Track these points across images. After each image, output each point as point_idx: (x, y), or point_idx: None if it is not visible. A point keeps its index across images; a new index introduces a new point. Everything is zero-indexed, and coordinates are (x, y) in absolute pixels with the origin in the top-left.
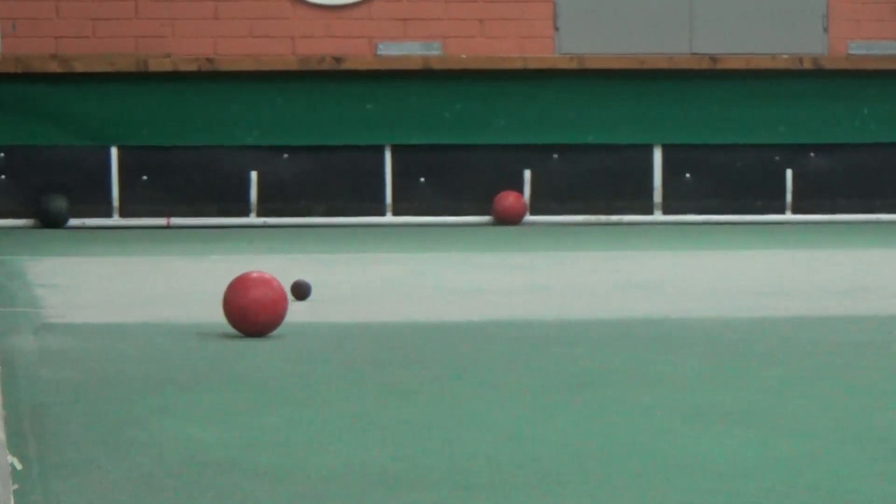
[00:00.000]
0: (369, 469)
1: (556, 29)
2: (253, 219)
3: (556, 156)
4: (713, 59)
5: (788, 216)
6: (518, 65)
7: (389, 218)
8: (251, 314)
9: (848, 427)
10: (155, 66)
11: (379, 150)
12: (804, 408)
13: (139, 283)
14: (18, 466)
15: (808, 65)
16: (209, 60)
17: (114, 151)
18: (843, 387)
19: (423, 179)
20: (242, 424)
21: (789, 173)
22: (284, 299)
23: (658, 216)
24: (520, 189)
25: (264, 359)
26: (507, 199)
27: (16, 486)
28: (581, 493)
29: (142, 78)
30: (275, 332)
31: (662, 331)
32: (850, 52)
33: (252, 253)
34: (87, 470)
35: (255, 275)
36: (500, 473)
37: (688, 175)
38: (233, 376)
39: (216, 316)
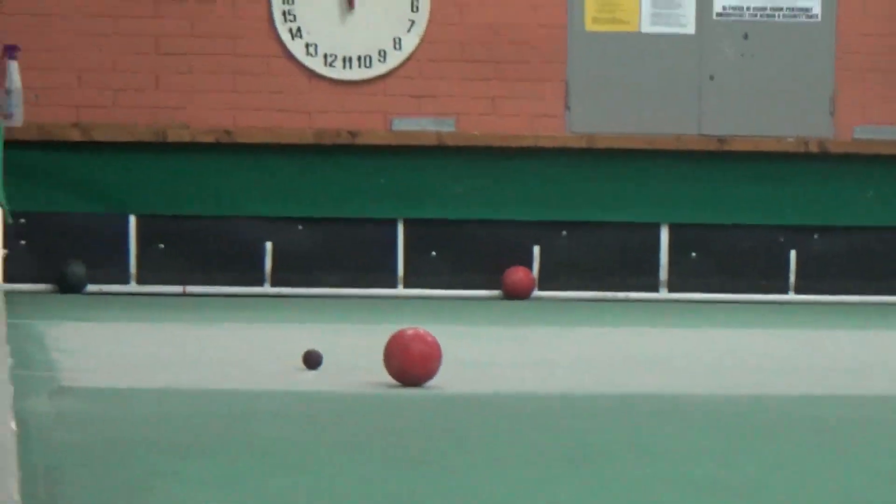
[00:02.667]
0: None
1: (567, 108)
2: (267, 288)
3: (564, 232)
4: (720, 140)
5: (791, 296)
6: (529, 143)
7: (401, 290)
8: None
9: (844, 502)
10: (174, 136)
11: (392, 224)
12: (802, 483)
13: (153, 349)
14: None
15: (813, 148)
16: (227, 132)
17: (132, 219)
18: (842, 464)
19: (434, 253)
20: (247, 489)
21: (793, 254)
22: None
23: (664, 293)
24: (529, 264)
25: (271, 425)
26: (517, 274)
27: None
28: None
29: (160, 148)
30: (283, 400)
31: (665, 405)
32: (856, 136)
33: (265, 322)
34: None
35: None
36: None
37: (693, 254)
38: (239, 441)
39: (226, 382)
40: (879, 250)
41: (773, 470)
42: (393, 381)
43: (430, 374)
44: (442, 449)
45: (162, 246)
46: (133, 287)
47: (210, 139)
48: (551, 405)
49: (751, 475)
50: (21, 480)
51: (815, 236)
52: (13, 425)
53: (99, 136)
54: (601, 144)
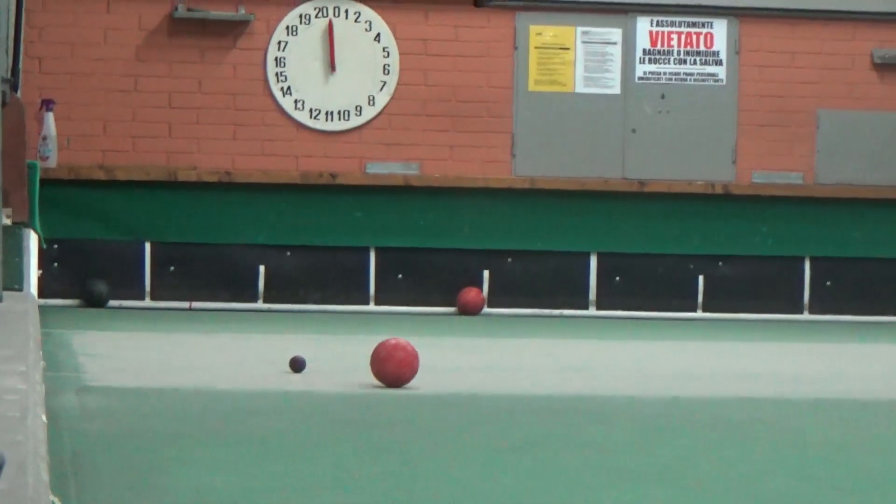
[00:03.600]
0: None
1: (513, 155)
2: (260, 304)
3: (510, 259)
4: (641, 183)
5: (700, 314)
6: (481, 184)
7: (372, 307)
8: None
9: (743, 487)
10: (183, 176)
11: (365, 251)
12: (708, 471)
13: (165, 355)
14: (55, 501)
15: (718, 190)
16: (227, 173)
17: (147, 246)
18: (740, 455)
19: (400, 276)
20: (245, 473)
21: (701, 278)
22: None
23: (593, 311)
24: (480, 286)
25: (265, 419)
26: (469, 293)
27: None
28: None
29: (172, 186)
30: (274, 397)
31: (593, 405)
32: (754, 180)
33: (259, 333)
34: (120, 499)
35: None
36: None
37: (617, 278)
38: (239, 433)
39: (226, 383)
40: (772, 276)
41: (682, 460)
42: (362, 381)
43: (409, 379)
44: (406, 439)
45: (172, 268)
46: (148, 303)
47: (214, 179)
48: (500, 404)
49: (664, 464)
50: (50, 464)
51: (720, 264)
52: (44, 418)
53: (120, 176)
54: (541, 186)
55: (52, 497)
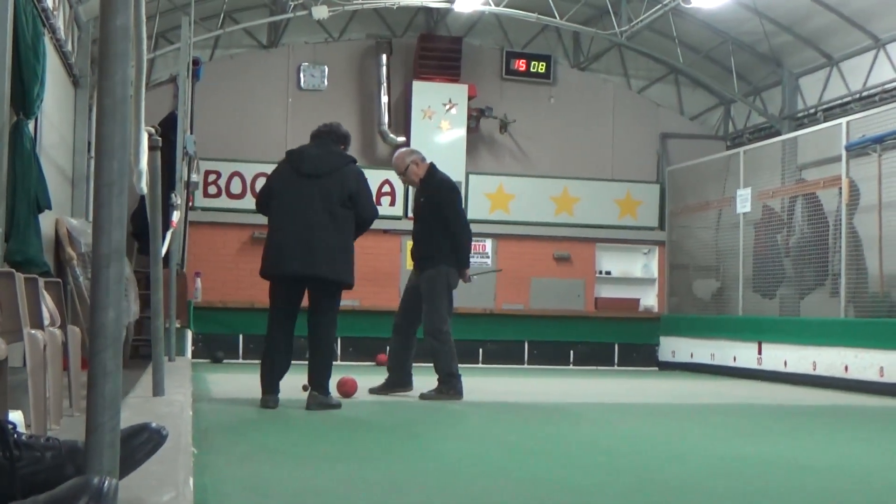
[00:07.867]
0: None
1: (400, 297)
2: (293, 361)
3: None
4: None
5: (482, 365)
6: (383, 308)
7: (339, 362)
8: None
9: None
10: (258, 305)
11: (336, 338)
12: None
13: (248, 383)
14: (196, 451)
15: (489, 311)
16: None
17: (241, 336)
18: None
19: (350, 349)
20: (287, 432)
21: (481, 349)
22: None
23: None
24: (385, 352)
25: (289, 409)
26: (382, 355)
27: (194, 452)
28: None
29: (251, 310)
30: (292, 401)
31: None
32: (503, 307)
33: (290, 373)
34: (229, 451)
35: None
36: None
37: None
38: (281, 416)
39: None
40: (511, 348)
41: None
42: (333, 394)
43: (353, 393)
44: (351, 416)
45: (251, 345)
46: (241, 361)
47: (266, 306)
48: (387, 404)
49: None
50: (192, 434)
51: (489, 343)
52: (190, 412)
53: (230, 305)
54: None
55: (192, 448)
